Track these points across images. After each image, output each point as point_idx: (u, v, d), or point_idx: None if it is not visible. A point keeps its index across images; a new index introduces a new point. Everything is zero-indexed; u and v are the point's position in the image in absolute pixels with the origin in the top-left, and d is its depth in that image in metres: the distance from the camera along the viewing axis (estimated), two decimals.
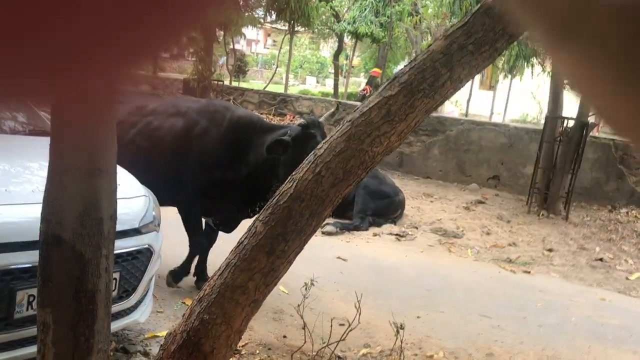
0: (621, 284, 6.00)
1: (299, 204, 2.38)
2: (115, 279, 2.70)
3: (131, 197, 3.05)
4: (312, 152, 2.46)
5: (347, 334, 2.75)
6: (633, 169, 8.90)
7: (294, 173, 2.47)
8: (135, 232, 2.93)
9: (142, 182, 3.92)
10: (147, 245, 3.00)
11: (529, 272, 5.99)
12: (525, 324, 4.53)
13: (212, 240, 4.45)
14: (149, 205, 3.16)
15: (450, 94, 2.50)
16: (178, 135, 4.05)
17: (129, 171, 3.95)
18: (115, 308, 2.68)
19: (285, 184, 2.45)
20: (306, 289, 2.92)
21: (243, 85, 16.60)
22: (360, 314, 2.76)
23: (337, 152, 2.39)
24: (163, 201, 4.26)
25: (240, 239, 2.48)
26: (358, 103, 12.37)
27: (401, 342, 2.78)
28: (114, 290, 2.69)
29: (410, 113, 2.41)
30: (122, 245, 2.76)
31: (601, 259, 6.63)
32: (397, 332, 2.74)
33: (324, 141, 2.48)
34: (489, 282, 5.48)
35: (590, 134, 8.45)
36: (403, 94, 2.39)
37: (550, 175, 8.15)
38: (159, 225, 3.23)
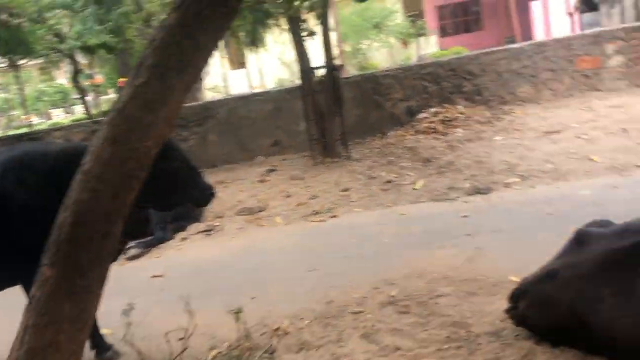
0: (411, 196, 6.62)
1: (83, 230, 2.09)
2: None
3: None
4: (78, 170, 2.17)
5: (188, 339, 2.55)
6: (384, 95, 9.82)
7: (65, 201, 2.16)
8: None
9: None
10: None
11: (336, 216, 6.29)
12: (348, 261, 4.74)
13: None
14: None
15: (203, 64, 2.38)
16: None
17: None
18: None
19: (61, 214, 2.13)
20: (125, 315, 2.60)
21: None
22: (194, 317, 2.56)
23: (106, 160, 2.14)
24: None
25: (31, 293, 2.11)
26: None
27: (243, 326, 2.67)
28: None
29: (169, 96, 2.25)
30: None
31: (389, 181, 7.24)
32: (237, 317, 2.62)
33: (86, 154, 2.20)
34: (305, 240, 5.63)
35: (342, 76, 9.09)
36: (155, 78, 2.22)
37: (322, 124, 8.61)
38: None
